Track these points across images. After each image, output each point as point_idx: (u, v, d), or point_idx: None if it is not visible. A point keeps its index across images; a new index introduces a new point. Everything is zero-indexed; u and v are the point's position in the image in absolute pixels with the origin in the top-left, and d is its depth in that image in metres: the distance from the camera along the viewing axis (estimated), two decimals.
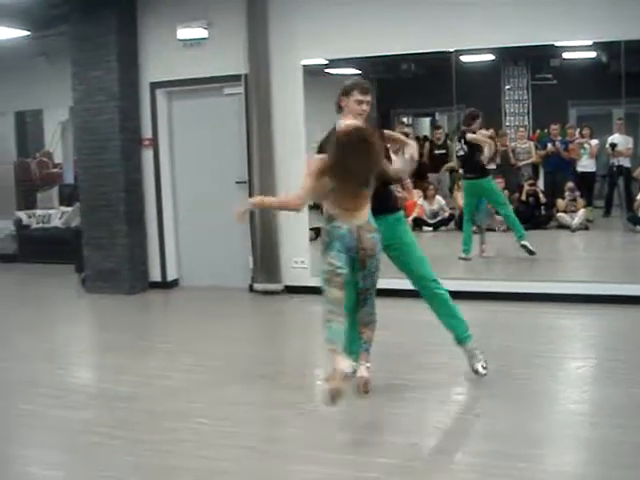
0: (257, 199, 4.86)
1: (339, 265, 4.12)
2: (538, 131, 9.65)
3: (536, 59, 9.14)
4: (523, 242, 7.88)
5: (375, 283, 4.43)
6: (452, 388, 4.75)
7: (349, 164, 3.99)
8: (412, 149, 4.80)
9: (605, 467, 3.51)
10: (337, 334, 4.02)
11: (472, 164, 8.19)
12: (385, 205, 4.55)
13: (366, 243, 4.21)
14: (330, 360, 3.95)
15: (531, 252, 7.85)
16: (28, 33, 9.09)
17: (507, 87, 9.55)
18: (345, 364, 3.86)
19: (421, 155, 8.80)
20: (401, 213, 4.85)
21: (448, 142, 9.47)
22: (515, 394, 4.53)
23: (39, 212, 11.25)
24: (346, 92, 4.51)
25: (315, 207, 9.28)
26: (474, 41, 7.05)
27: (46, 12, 8.50)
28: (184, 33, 7.89)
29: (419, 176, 9.04)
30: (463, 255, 8.11)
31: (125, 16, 8.09)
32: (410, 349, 5.55)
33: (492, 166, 8.66)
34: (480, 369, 4.68)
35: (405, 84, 9.01)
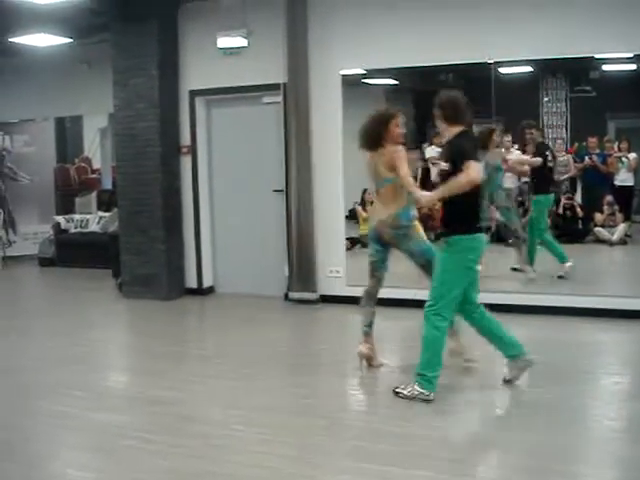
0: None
1: None
2: (576, 144, 9.55)
3: (575, 71, 9.04)
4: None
5: None
6: (488, 402, 4.72)
7: None
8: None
9: None
10: None
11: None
12: None
13: None
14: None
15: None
16: (70, 41, 9.25)
17: (545, 99, 9.47)
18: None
19: None
20: None
21: None
22: (551, 409, 4.49)
23: (77, 217, 11.42)
24: None
25: (351, 217, 9.31)
26: (513, 53, 7.03)
27: (88, 20, 8.64)
28: (224, 42, 7.96)
29: None
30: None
31: (166, 25, 8.20)
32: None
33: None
34: None
35: None
